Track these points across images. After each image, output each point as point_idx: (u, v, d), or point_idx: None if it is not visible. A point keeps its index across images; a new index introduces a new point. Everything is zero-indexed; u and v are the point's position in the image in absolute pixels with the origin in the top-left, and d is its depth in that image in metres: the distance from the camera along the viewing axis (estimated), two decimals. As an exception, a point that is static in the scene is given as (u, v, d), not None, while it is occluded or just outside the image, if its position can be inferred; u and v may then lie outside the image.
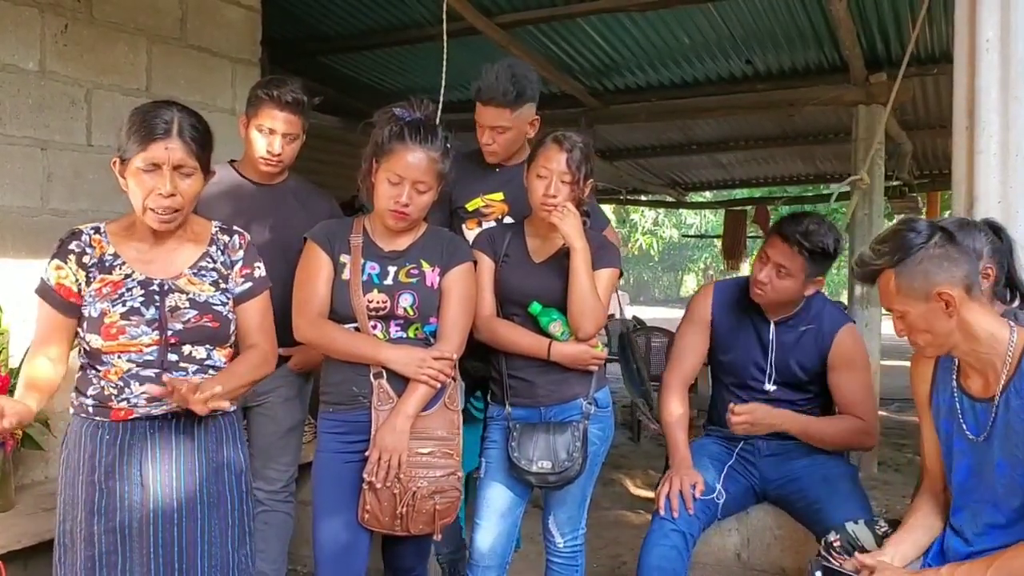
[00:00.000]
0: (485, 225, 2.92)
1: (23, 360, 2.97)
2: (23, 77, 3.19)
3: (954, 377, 2.14)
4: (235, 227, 2.31)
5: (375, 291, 2.40)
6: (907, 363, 2.23)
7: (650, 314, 16.74)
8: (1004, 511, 2.02)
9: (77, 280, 2.07)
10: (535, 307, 2.61)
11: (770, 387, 2.91)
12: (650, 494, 2.84)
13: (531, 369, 2.63)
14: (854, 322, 3.05)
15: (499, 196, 2.94)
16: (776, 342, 2.90)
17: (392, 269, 2.44)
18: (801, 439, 2.85)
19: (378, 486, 2.32)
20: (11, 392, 2.87)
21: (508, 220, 2.91)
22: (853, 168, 5.79)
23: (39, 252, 3.20)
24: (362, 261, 2.43)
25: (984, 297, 2.33)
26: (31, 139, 3.22)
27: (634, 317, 9.98)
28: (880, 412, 6.21)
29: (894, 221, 2.07)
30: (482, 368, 2.79)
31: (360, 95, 7.10)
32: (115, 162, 2.07)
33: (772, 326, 2.91)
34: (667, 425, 2.96)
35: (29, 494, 3.06)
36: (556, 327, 2.59)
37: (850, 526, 2.41)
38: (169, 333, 2.08)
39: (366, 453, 2.35)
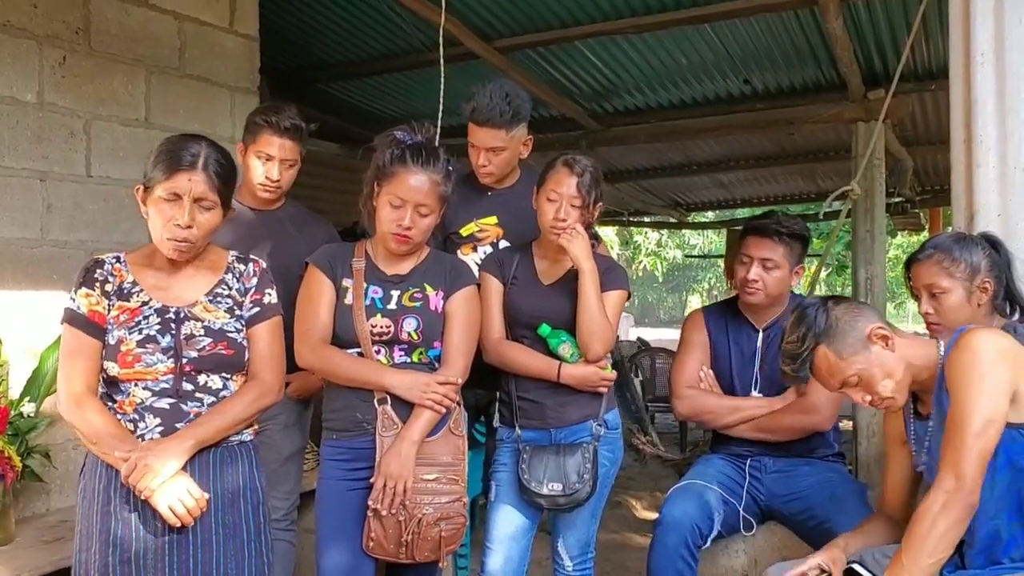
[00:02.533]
0: (480, 250, 2.92)
1: (35, 389, 2.99)
2: (22, 109, 3.19)
3: (911, 409, 2.19)
4: (250, 256, 2.31)
5: (378, 315, 2.39)
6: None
7: (655, 335, 16.72)
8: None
9: (103, 307, 2.08)
10: (544, 329, 2.60)
11: (755, 393, 2.94)
12: (656, 515, 2.82)
13: (541, 391, 2.63)
14: None
15: (492, 220, 2.93)
16: (762, 350, 2.94)
17: (395, 293, 2.43)
18: (763, 435, 2.87)
19: (383, 513, 2.29)
20: (11, 424, 2.85)
21: (503, 243, 2.91)
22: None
23: (38, 283, 3.19)
24: (365, 285, 2.42)
25: (983, 310, 2.33)
26: (30, 170, 3.21)
27: (639, 338, 9.97)
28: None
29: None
30: (485, 395, 2.77)
31: (360, 122, 7.11)
32: (138, 189, 2.10)
33: (760, 334, 2.96)
34: (696, 397, 2.98)
35: (30, 527, 3.02)
36: (565, 349, 2.59)
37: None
38: (184, 361, 2.08)
39: (370, 480, 2.33)
